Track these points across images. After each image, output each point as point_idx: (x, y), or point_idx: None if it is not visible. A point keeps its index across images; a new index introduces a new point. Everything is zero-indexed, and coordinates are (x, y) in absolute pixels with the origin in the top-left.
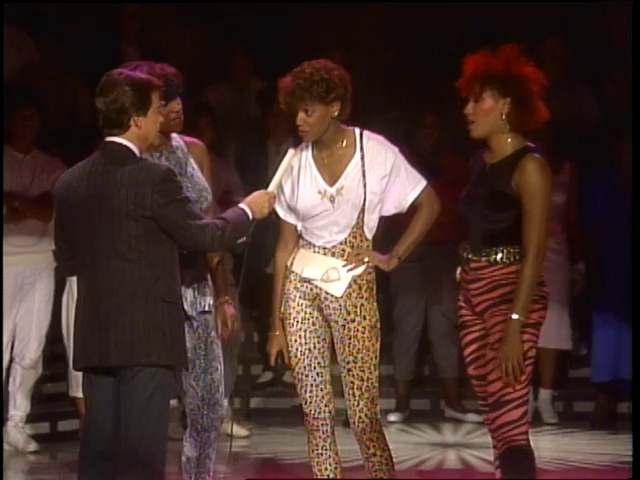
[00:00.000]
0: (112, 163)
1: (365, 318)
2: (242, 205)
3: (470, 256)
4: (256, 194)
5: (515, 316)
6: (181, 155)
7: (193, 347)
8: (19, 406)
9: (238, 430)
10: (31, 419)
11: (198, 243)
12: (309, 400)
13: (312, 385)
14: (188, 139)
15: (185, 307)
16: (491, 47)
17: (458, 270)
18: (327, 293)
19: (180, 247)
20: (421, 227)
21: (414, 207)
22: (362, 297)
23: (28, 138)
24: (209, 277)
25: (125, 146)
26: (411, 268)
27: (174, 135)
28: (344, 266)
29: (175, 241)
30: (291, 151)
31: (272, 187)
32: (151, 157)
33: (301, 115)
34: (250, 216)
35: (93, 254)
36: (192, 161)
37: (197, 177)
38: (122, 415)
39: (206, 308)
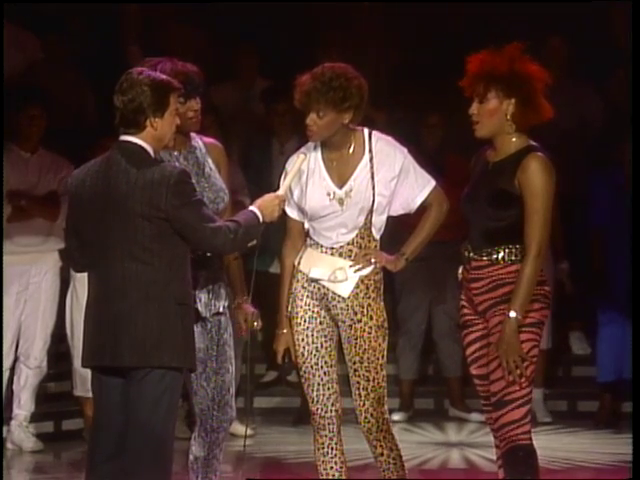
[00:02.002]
0: (127, 163)
1: (372, 318)
2: (253, 208)
3: (472, 255)
4: (267, 197)
5: (512, 314)
6: (200, 155)
7: (205, 348)
8: (23, 405)
9: (241, 429)
10: (35, 418)
11: (211, 245)
12: (316, 399)
13: (319, 384)
14: (207, 139)
15: (199, 308)
16: (494, 46)
17: (460, 269)
18: (334, 293)
19: (193, 249)
20: (429, 228)
21: (422, 207)
22: (369, 297)
23: (35, 137)
24: (225, 279)
25: (140, 146)
26: (415, 267)
27: (193, 135)
28: (351, 266)
29: (188, 243)
30: (302, 155)
31: (282, 190)
32: (170, 156)
33: (312, 116)
34: (261, 219)
35: (105, 254)
36: (210, 161)
37: (214, 177)
38: (130, 415)
39: (220, 310)
